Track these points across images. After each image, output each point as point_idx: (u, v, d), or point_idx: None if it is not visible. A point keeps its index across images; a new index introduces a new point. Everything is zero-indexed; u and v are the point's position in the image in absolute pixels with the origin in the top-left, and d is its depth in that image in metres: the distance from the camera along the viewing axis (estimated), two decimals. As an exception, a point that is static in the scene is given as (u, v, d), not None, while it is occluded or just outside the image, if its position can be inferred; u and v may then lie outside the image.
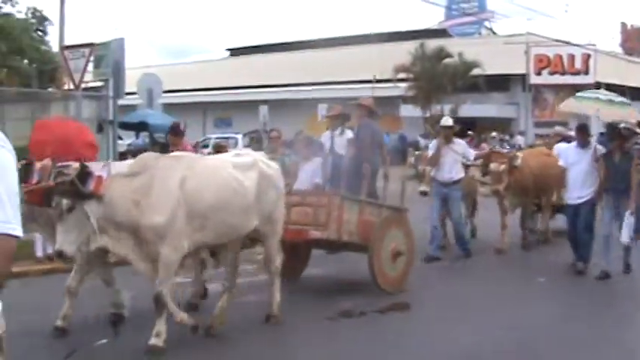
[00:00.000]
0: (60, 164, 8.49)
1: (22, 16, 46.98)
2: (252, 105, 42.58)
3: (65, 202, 7.53)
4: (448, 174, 14.22)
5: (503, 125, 50.61)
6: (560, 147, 15.47)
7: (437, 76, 44.96)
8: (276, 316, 9.44)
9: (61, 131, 10.63)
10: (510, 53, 49.28)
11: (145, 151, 13.15)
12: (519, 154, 15.40)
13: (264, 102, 41.63)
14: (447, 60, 46.14)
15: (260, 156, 9.85)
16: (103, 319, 9.18)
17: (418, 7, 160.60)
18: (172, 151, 11.68)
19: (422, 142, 40.87)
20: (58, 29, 27.43)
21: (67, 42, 21.03)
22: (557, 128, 18.94)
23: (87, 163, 7.86)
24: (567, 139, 16.29)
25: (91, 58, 16.61)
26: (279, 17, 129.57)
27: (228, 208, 8.60)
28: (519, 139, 42.39)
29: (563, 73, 51.51)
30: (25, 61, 45.24)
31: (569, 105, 16.84)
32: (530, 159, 15.44)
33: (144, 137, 25.71)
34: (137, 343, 8.21)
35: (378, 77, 50.15)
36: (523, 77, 52.29)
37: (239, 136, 38.54)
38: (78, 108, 16.82)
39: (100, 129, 17.01)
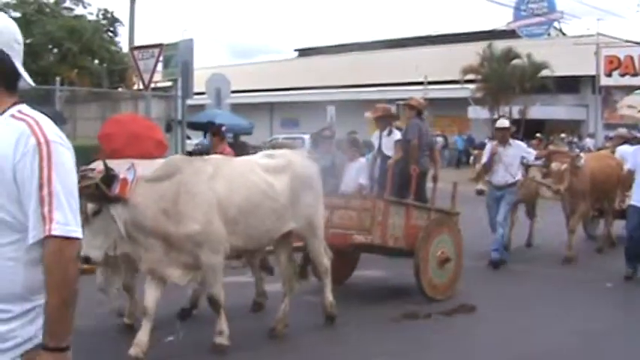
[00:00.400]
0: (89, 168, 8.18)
1: (93, 17, 47.75)
2: (319, 105, 42.59)
3: (90, 205, 7.33)
4: (503, 177, 13.74)
5: (572, 127, 49.97)
6: (624, 149, 15.40)
7: (505, 78, 44.60)
8: (332, 317, 9.37)
9: (131, 126, 10.43)
10: (580, 54, 48.59)
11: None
12: (582, 154, 14.71)
13: (332, 102, 41.63)
14: (516, 61, 45.75)
15: (297, 156, 9.51)
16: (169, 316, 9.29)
17: (486, 8, 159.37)
18: (214, 153, 12.05)
19: (489, 143, 40.62)
20: (128, 30, 27.94)
21: (137, 43, 21.37)
22: (620, 130, 18.21)
23: (111, 166, 7.50)
24: (630, 142, 15.97)
25: (161, 59, 16.81)
26: (348, 18, 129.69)
27: (258, 212, 8.36)
28: (588, 142, 41.81)
29: (634, 75, 50.60)
30: (96, 61, 45.97)
31: (627, 102, 16.27)
32: (592, 162, 14.83)
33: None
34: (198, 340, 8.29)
35: (446, 78, 49.85)
36: (593, 79, 51.50)
37: (306, 137, 38.61)
38: (147, 107, 17.06)
39: (169, 128, 17.21)
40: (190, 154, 16.21)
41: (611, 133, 23.84)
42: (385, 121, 12.76)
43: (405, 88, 52.62)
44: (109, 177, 7.34)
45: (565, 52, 47.91)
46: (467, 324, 9.61)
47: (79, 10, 47.58)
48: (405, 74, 54.54)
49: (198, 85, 20.05)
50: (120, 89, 36.70)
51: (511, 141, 14.04)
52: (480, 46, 47.09)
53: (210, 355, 8.05)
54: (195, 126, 24.27)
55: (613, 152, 15.69)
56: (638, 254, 12.32)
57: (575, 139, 45.18)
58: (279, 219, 8.63)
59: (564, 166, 13.66)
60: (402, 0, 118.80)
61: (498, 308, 10.44)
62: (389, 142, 12.48)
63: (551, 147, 17.13)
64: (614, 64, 50.82)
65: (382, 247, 10.80)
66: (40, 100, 19.53)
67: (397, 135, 12.48)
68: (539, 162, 14.16)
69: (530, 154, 14.30)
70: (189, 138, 26.55)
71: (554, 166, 13.74)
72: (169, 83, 18.51)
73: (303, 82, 61.78)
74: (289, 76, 64.55)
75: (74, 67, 41.61)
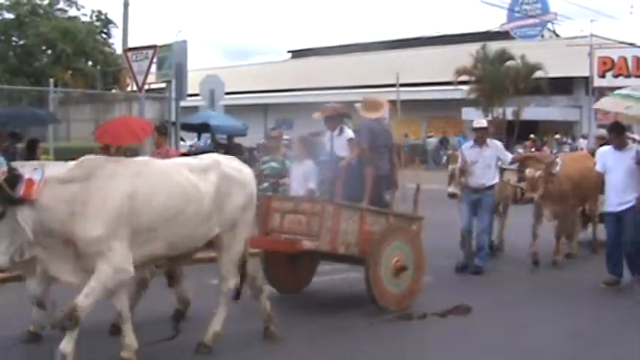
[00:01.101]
0: None
1: (86, 19, 47.78)
2: (314, 107, 42.62)
3: None
4: (480, 179, 13.09)
5: (566, 128, 50.05)
6: (601, 150, 14.98)
7: (499, 79, 44.67)
8: (207, 346, 8.14)
9: (120, 120, 11.32)
10: (573, 55, 48.68)
11: (208, 152, 13.27)
12: (559, 159, 13.63)
13: (326, 104, 41.69)
14: (509, 62, 45.83)
15: (226, 157, 8.75)
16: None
17: (480, 9, 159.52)
18: (157, 152, 12.32)
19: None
20: (121, 32, 27.91)
21: (131, 44, 21.33)
22: (600, 131, 17.30)
23: (17, 166, 7.10)
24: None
25: (154, 60, 16.80)
26: (341, 20, 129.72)
27: (182, 217, 7.69)
28: (582, 143, 41.87)
29: (627, 76, 50.64)
30: (90, 63, 46.02)
31: (601, 102, 15.22)
32: (570, 164, 14.01)
33: (206, 138, 25.86)
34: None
35: (440, 80, 49.89)
36: (586, 80, 51.52)
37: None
38: (141, 109, 17.05)
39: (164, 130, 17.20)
40: (185, 155, 16.21)
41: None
42: (335, 120, 11.55)
43: (402, 89, 52.73)
44: (13, 177, 6.86)
45: (559, 53, 48.02)
46: (462, 325, 9.58)
47: (72, 12, 47.67)
48: (400, 75, 54.53)
49: (192, 86, 20.04)
50: (114, 91, 36.70)
51: (489, 141, 13.38)
52: (473, 48, 47.16)
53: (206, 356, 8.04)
54: (189, 127, 24.26)
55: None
56: (619, 262, 11.82)
57: (569, 140, 45.29)
58: (204, 223, 7.97)
59: (538, 172, 13.02)
60: (395, 2, 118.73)
61: (493, 309, 10.41)
62: (340, 142, 11.39)
63: (521, 151, 16.61)
64: (607, 66, 50.88)
65: (333, 254, 10.26)
66: (33, 102, 19.53)
67: (349, 134, 11.42)
68: (513, 165, 13.64)
69: (507, 156, 13.67)
70: (182, 140, 26.54)
71: (528, 172, 13.14)
72: (163, 85, 18.48)
73: (297, 83, 61.77)
74: (283, 77, 64.53)
75: (68, 69, 41.64)
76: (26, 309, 8.71)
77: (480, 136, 13.40)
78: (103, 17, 48.54)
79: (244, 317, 9.01)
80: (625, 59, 50.76)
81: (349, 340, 8.91)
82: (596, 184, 13.60)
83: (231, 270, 8.35)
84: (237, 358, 8.19)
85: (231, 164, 8.46)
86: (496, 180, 13.31)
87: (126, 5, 27.28)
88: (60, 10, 47.62)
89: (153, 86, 21.25)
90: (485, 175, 13.12)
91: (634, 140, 14.85)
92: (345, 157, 11.09)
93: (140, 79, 16.72)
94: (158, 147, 12.46)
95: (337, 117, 11.64)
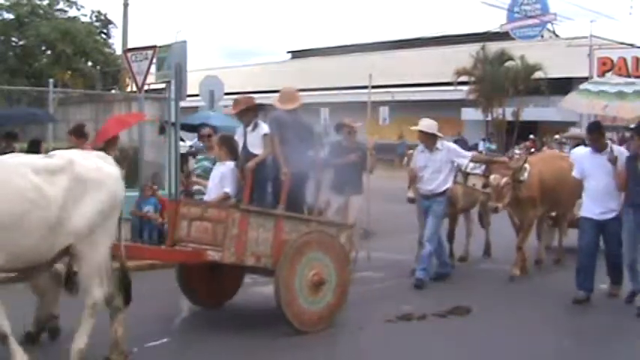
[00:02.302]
0: None
1: (86, 19, 47.78)
2: (313, 107, 42.65)
3: None
4: (428, 185, 12.20)
5: (565, 129, 49.90)
6: (577, 152, 13.51)
7: (498, 80, 44.67)
8: None
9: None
10: (573, 56, 48.65)
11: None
12: (527, 165, 12.31)
13: (325, 104, 41.64)
14: (509, 63, 45.84)
15: (82, 154, 7.76)
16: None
17: (480, 10, 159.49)
18: None
19: (481, 145, 40.65)
20: (121, 32, 27.91)
21: (130, 45, 21.34)
22: (573, 130, 16.09)
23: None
24: (585, 143, 13.97)
25: (154, 61, 16.78)
26: (341, 20, 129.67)
27: (23, 226, 6.79)
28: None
29: (627, 77, 50.63)
30: (89, 63, 46.02)
31: (570, 101, 13.32)
32: (541, 165, 12.94)
33: (205, 139, 25.89)
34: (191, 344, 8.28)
35: (439, 80, 49.91)
36: (586, 80, 51.54)
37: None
38: (140, 109, 17.04)
39: (162, 130, 17.20)
40: (184, 156, 16.24)
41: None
42: (248, 114, 10.31)
43: (400, 89, 52.82)
44: None
45: (558, 53, 48.02)
46: (462, 325, 9.60)
47: (72, 12, 47.65)
48: (399, 76, 54.57)
49: (192, 87, 20.02)
50: (113, 91, 36.69)
51: (440, 144, 12.30)
52: (473, 48, 47.17)
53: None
54: (188, 128, 24.26)
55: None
56: (590, 275, 10.83)
57: (569, 141, 45.27)
58: (52, 233, 7.02)
59: (504, 179, 11.92)
60: (395, 2, 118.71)
61: (493, 309, 10.44)
62: (254, 138, 10.12)
63: (518, 152, 15.61)
64: (607, 66, 50.82)
65: (240, 266, 9.27)
66: (33, 102, 19.51)
67: (264, 129, 10.13)
68: (478, 170, 12.81)
69: (464, 157, 12.51)
70: (182, 140, 26.55)
71: (492, 179, 12.04)
72: (162, 85, 18.44)
73: (297, 83, 61.57)
74: (283, 77, 64.52)
75: (67, 69, 41.66)
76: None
77: (427, 139, 12.33)
78: (102, 18, 48.55)
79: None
80: (625, 60, 50.72)
81: (349, 340, 8.95)
82: (573, 187, 12.51)
83: (94, 282, 7.42)
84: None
85: (87, 163, 7.44)
86: (447, 186, 12.27)
87: (126, 5, 27.30)
88: (60, 10, 47.59)
89: (152, 87, 21.22)
90: (434, 181, 12.20)
91: (612, 141, 14.32)
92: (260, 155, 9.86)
93: (140, 79, 16.69)
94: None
95: (250, 110, 10.33)
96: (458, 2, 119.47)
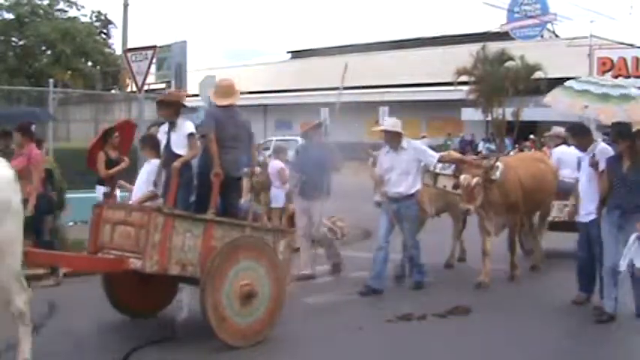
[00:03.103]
0: None
1: (86, 19, 47.84)
2: (313, 107, 42.60)
3: None
4: (396, 187, 11.48)
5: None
6: (561, 152, 13.82)
7: (498, 80, 44.61)
8: None
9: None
10: (573, 56, 48.61)
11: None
12: (499, 163, 11.69)
13: (325, 104, 41.64)
14: (509, 63, 45.76)
15: None
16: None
17: (480, 10, 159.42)
18: (18, 154, 11.30)
19: (481, 145, 40.64)
20: (121, 32, 27.91)
21: (130, 45, 21.32)
22: (556, 129, 15.09)
23: None
24: (568, 142, 13.55)
25: (154, 61, 16.79)
26: (341, 20, 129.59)
27: None
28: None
29: (627, 77, 50.61)
30: (89, 63, 46.09)
31: (553, 96, 12.31)
32: (520, 167, 12.47)
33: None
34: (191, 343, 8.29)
35: (439, 80, 49.93)
36: (586, 81, 51.54)
37: (299, 138, 38.60)
38: (140, 110, 17.03)
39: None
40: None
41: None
42: (170, 110, 9.41)
43: (399, 90, 52.87)
44: None
45: (558, 53, 47.99)
46: (462, 325, 9.60)
47: (72, 12, 47.77)
48: (399, 76, 54.60)
49: (192, 87, 20.02)
50: (113, 91, 36.72)
51: (405, 143, 11.60)
52: (473, 48, 47.09)
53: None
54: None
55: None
56: (591, 278, 10.49)
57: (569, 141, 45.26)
58: None
59: (475, 179, 11.28)
60: (395, 2, 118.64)
61: (493, 309, 10.43)
62: (178, 137, 9.25)
63: (512, 153, 15.08)
64: (607, 66, 50.82)
65: (164, 276, 8.42)
66: (33, 102, 19.53)
67: (189, 128, 9.30)
68: (448, 171, 12.02)
69: (432, 157, 11.73)
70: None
71: (462, 179, 11.37)
72: (162, 85, 18.47)
73: (297, 83, 61.76)
74: (283, 77, 64.52)
75: (67, 69, 41.71)
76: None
77: (391, 139, 11.66)
78: (102, 18, 48.65)
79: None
80: (624, 60, 50.69)
81: (349, 340, 8.92)
82: (551, 189, 12.71)
83: (12, 292, 6.93)
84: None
85: None
86: (417, 187, 11.60)
87: (126, 6, 27.26)
88: (60, 10, 47.67)
89: (152, 87, 21.26)
90: (402, 183, 11.48)
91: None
92: (183, 156, 9.06)
93: (140, 79, 16.71)
94: (21, 147, 11.47)
95: (172, 107, 9.43)
96: (458, 2, 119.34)
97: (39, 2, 46.59)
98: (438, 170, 12.16)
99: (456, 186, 11.63)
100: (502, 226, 12.35)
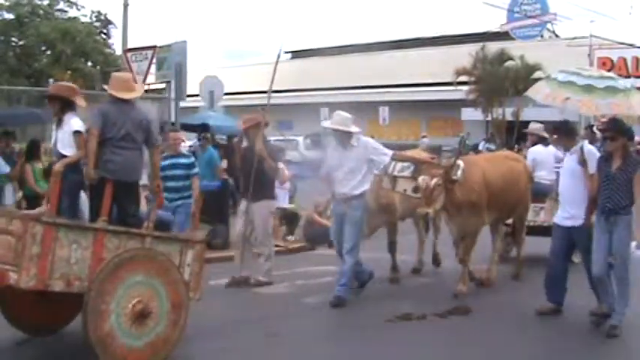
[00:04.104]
0: None
1: (86, 19, 47.86)
2: (313, 107, 42.64)
3: None
4: (343, 188, 10.64)
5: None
6: (536, 151, 13.32)
7: (498, 79, 44.65)
8: None
9: None
10: (573, 56, 48.49)
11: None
12: (460, 162, 10.70)
13: (325, 104, 41.66)
14: (509, 63, 45.81)
15: None
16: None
17: (480, 10, 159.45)
18: None
19: (482, 145, 40.64)
20: (121, 32, 27.90)
21: (130, 45, 21.31)
22: (533, 126, 14.27)
23: None
24: (545, 141, 13.47)
25: (154, 61, 16.80)
26: (341, 20, 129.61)
27: None
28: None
29: (627, 77, 50.67)
30: (89, 63, 46.10)
31: (535, 88, 10.96)
32: (487, 166, 11.58)
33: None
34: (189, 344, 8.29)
35: (439, 80, 50.00)
36: (586, 81, 51.48)
37: (299, 139, 38.60)
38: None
39: (162, 130, 17.23)
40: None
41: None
42: (54, 104, 8.68)
43: (399, 90, 52.89)
44: None
45: (558, 53, 47.99)
46: (462, 325, 9.60)
47: (72, 13, 47.80)
48: (399, 76, 54.64)
49: (192, 87, 20.04)
50: (113, 91, 36.69)
51: (356, 141, 10.72)
52: (473, 48, 47.16)
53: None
54: (188, 128, 24.33)
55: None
56: (559, 287, 9.96)
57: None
58: None
59: (435, 180, 10.31)
60: (395, 2, 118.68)
61: (493, 309, 10.42)
62: (64, 135, 8.46)
63: (413, 152, 12.85)
64: (607, 66, 50.73)
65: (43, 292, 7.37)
66: (33, 102, 19.53)
67: (75, 125, 8.43)
68: (407, 172, 10.90)
69: (384, 155, 10.80)
70: (182, 140, 26.61)
71: (421, 181, 10.40)
72: (162, 85, 18.49)
73: (297, 83, 61.80)
74: (283, 77, 64.49)
75: (67, 69, 41.70)
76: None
77: (338, 136, 10.76)
78: (102, 18, 48.64)
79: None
80: (624, 60, 50.71)
81: (348, 340, 8.92)
82: (525, 190, 12.01)
83: None
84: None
85: None
86: (365, 188, 10.69)
87: (126, 6, 27.24)
88: (60, 10, 47.69)
89: (152, 87, 21.27)
90: (349, 182, 10.60)
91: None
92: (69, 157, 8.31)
93: (139, 79, 16.73)
94: None
95: (57, 100, 8.65)
96: (458, 2, 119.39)
97: (39, 2, 46.60)
98: (396, 173, 10.99)
99: (416, 189, 10.59)
100: (461, 233, 11.34)
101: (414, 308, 10.09)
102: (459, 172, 10.53)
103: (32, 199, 13.02)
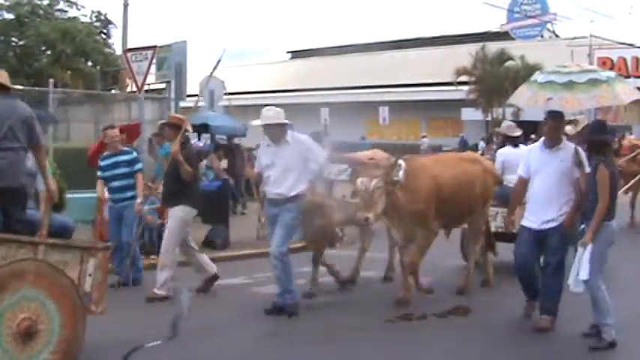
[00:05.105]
0: None
1: (86, 19, 47.88)
2: (313, 107, 42.66)
3: None
4: (276, 188, 9.80)
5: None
6: (504, 153, 12.35)
7: (498, 79, 44.69)
8: None
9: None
10: (573, 56, 48.71)
11: (205, 151, 13.27)
12: (401, 162, 9.91)
13: (325, 104, 41.66)
14: (509, 63, 45.89)
15: None
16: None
17: (480, 10, 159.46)
18: None
19: (480, 145, 40.62)
20: (121, 32, 27.94)
21: (130, 45, 21.32)
22: (504, 124, 13.47)
23: None
24: (514, 142, 12.61)
25: (154, 61, 16.79)
26: (341, 20, 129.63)
27: None
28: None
29: (627, 77, 50.68)
30: (89, 63, 46.10)
31: (516, 94, 10.28)
32: (436, 167, 10.68)
33: (205, 139, 25.96)
34: (195, 344, 8.29)
35: (439, 80, 50.04)
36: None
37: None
38: (140, 110, 17.04)
39: (162, 131, 17.23)
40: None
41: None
42: None
43: (399, 90, 52.89)
44: None
45: (558, 53, 48.00)
46: (462, 325, 9.58)
47: (72, 12, 47.80)
48: (399, 76, 54.63)
49: (192, 87, 20.04)
50: (113, 91, 36.71)
51: (290, 137, 9.87)
52: (473, 48, 47.23)
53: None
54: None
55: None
56: (535, 286, 9.43)
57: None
58: None
59: (374, 182, 9.49)
60: (395, 2, 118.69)
61: (493, 310, 10.41)
62: None
63: (365, 152, 11.79)
64: (607, 66, 50.72)
65: None
66: (33, 102, 19.55)
67: None
68: (344, 176, 10.32)
69: (320, 156, 9.96)
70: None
71: (359, 183, 9.56)
72: (163, 85, 18.50)
73: (297, 84, 61.84)
74: (283, 77, 64.58)
75: (67, 69, 41.70)
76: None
77: (271, 133, 9.91)
78: (102, 18, 48.66)
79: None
80: (624, 60, 50.79)
81: (348, 341, 8.90)
82: (486, 195, 11.25)
83: None
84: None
85: None
86: (301, 189, 9.80)
87: (126, 6, 27.28)
88: (60, 10, 47.70)
89: (152, 87, 21.28)
90: (282, 183, 9.74)
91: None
92: None
93: (140, 79, 16.71)
94: None
95: None
96: (458, 2, 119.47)
97: (39, 2, 46.61)
98: (333, 177, 10.45)
99: (355, 193, 9.77)
100: (408, 239, 10.47)
101: (414, 308, 10.08)
102: (401, 173, 9.76)
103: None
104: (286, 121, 9.83)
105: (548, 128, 9.19)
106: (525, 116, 45.23)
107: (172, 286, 10.45)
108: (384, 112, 42.81)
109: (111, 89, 39.31)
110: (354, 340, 8.92)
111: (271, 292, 10.23)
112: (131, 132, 12.46)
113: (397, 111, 46.32)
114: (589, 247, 8.25)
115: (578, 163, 8.98)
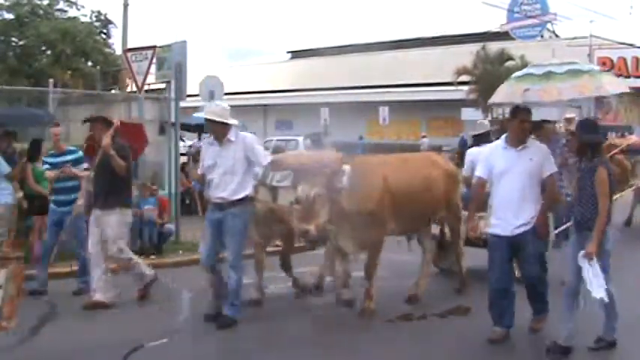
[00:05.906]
0: None
1: (86, 19, 47.88)
2: (313, 107, 42.70)
3: None
4: (220, 191, 9.16)
5: (566, 129, 50.01)
6: (474, 154, 11.71)
7: (498, 79, 44.49)
8: None
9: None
10: (573, 56, 48.39)
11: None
12: (346, 167, 9.07)
13: (325, 104, 41.70)
14: (509, 63, 45.86)
15: None
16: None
17: (480, 10, 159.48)
18: None
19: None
20: (121, 32, 27.95)
21: (130, 45, 21.32)
22: (481, 122, 12.39)
23: None
24: (481, 140, 12.08)
25: (154, 61, 16.78)
26: (341, 20, 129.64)
27: None
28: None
29: (627, 77, 50.73)
30: (89, 63, 46.09)
31: (497, 90, 9.36)
32: (389, 171, 9.99)
33: (205, 139, 26.01)
34: (198, 343, 8.29)
35: (439, 80, 50.07)
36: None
37: (299, 139, 38.69)
38: (140, 110, 17.02)
39: (162, 130, 17.21)
40: (184, 155, 16.28)
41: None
42: None
43: (399, 90, 52.90)
44: None
45: (558, 53, 48.04)
46: (462, 325, 9.58)
47: (72, 12, 47.78)
48: (399, 76, 54.64)
49: (192, 87, 20.02)
50: (113, 91, 36.70)
51: (234, 135, 9.23)
52: (473, 48, 47.25)
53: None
54: (188, 128, 24.41)
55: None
56: (508, 307, 8.75)
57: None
58: None
59: (315, 190, 8.76)
60: (395, 2, 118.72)
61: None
62: None
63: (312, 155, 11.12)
64: (607, 66, 50.81)
65: None
66: (33, 102, 19.51)
67: None
68: (287, 182, 9.15)
69: (263, 157, 9.35)
70: (182, 140, 26.63)
71: (300, 190, 8.81)
72: (163, 85, 18.46)
73: (297, 84, 61.88)
74: (283, 78, 64.61)
75: (67, 69, 41.70)
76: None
77: (214, 130, 9.38)
78: (102, 18, 48.64)
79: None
80: (624, 60, 50.83)
81: (348, 340, 8.91)
82: (447, 199, 10.74)
83: None
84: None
85: None
86: (247, 191, 9.21)
87: (126, 6, 27.29)
88: (60, 10, 47.68)
89: (152, 87, 21.26)
90: (227, 186, 9.13)
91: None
92: None
93: (140, 79, 16.70)
94: None
95: None
96: (458, 2, 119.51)
97: (39, 2, 46.59)
98: (275, 183, 9.27)
99: (297, 200, 8.92)
100: (361, 247, 9.82)
101: (414, 308, 10.10)
102: (344, 179, 8.89)
103: (32, 199, 13.02)
104: (231, 122, 9.23)
105: (516, 126, 8.63)
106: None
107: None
108: (384, 112, 42.87)
109: (111, 89, 39.29)
110: (355, 339, 8.93)
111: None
112: (135, 135, 12.18)
113: (397, 111, 46.39)
114: (595, 262, 7.68)
115: (564, 161, 8.71)
